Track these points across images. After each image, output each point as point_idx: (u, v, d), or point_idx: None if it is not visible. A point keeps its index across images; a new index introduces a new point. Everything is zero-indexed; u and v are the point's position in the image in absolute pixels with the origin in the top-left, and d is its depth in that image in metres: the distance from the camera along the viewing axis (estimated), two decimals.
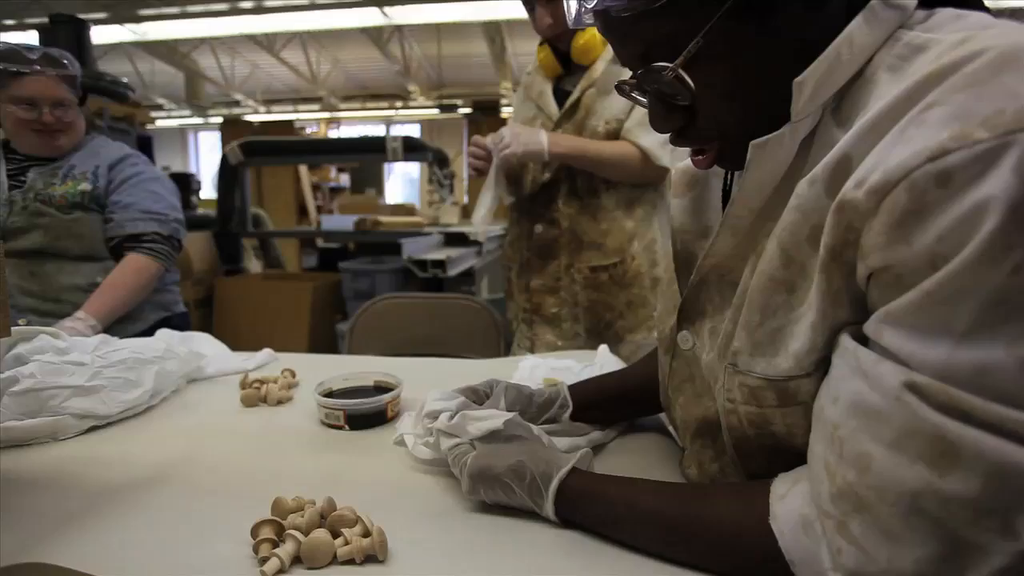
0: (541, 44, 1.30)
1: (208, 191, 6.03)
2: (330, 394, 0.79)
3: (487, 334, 1.44)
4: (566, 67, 1.28)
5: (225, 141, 5.75)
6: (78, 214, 1.24)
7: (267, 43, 6.57)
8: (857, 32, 0.39)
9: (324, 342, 2.94)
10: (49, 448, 0.70)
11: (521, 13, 1.25)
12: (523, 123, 1.33)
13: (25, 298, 1.22)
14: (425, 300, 1.54)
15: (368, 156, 3.44)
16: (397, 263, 2.79)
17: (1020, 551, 0.31)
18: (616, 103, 1.21)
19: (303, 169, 6.04)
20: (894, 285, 0.34)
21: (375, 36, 6.23)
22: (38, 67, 1.19)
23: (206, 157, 11.32)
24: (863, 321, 0.37)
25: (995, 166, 0.30)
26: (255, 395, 0.83)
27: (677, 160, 0.59)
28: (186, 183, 4.22)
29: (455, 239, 3.26)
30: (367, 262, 2.95)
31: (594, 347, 0.97)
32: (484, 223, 1.25)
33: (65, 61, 1.24)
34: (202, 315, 2.93)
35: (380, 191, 8.35)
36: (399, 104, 9.18)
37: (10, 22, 4.98)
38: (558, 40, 1.24)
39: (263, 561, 0.45)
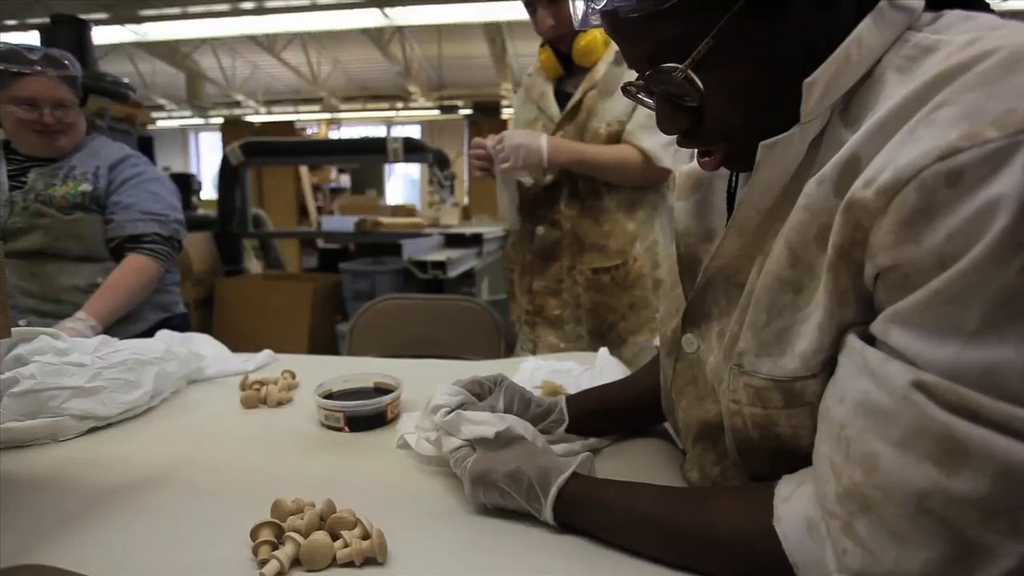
0: (542, 45, 1.30)
1: (209, 192, 6.04)
2: (330, 395, 0.79)
3: (487, 335, 1.44)
4: (567, 68, 1.28)
5: (226, 142, 5.75)
6: (78, 215, 1.24)
7: (268, 44, 6.57)
8: (866, 33, 0.39)
9: (324, 343, 2.94)
10: (49, 449, 0.69)
11: (522, 14, 1.25)
12: (524, 125, 1.33)
13: (25, 299, 1.22)
14: (425, 301, 1.54)
15: (369, 157, 3.44)
16: (397, 264, 2.79)
17: None
18: (618, 105, 1.21)
19: (303, 170, 6.04)
20: (902, 284, 0.34)
21: (376, 37, 6.23)
22: (39, 68, 1.19)
23: (207, 158, 11.33)
24: (870, 321, 0.37)
25: (1006, 165, 0.30)
26: (255, 396, 0.83)
27: (679, 161, 0.59)
28: (187, 183, 4.22)
29: (455, 240, 3.26)
30: (367, 263, 2.95)
31: (596, 349, 0.97)
32: (513, 216, 1.26)
33: (66, 62, 1.24)
34: (202, 316, 2.93)
35: (381, 192, 8.35)
36: (400, 105, 9.19)
37: (11, 22, 4.98)
38: (559, 42, 1.24)
39: (263, 563, 0.45)
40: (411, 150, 2.97)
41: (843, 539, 0.36)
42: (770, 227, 0.44)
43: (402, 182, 10.63)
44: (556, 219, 1.27)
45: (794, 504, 0.40)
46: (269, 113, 9.33)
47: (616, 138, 1.22)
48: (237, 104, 8.91)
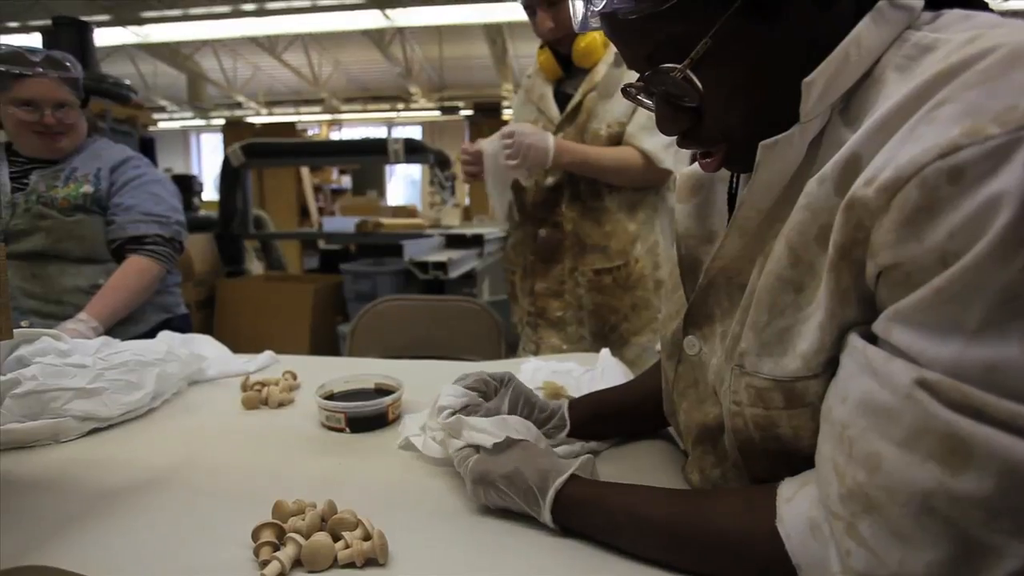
0: (541, 47, 1.30)
1: (210, 193, 6.03)
2: (331, 396, 0.79)
3: (488, 336, 1.44)
4: (567, 70, 1.28)
5: (227, 143, 5.75)
6: (80, 216, 1.24)
7: (269, 45, 6.59)
8: (865, 33, 0.39)
9: (325, 344, 2.94)
10: (50, 450, 0.70)
11: (523, 15, 1.25)
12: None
13: (27, 300, 1.22)
14: (426, 302, 1.54)
15: (369, 158, 3.44)
16: (398, 265, 2.79)
17: None
18: (618, 106, 1.21)
19: (305, 171, 6.04)
20: (903, 283, 0.34)
21: (377, 38, 6.25)
22: (40, 69, 1.20)
23: (208, 159, 11.36)
24: (872, 321, 0.37)
25: (1007, 162, 0.30)
26: (256, 397, 0.83)
27: (680, 162, 0.59)
28: (188, 185, 4.22)
29: (456, 241, 3.26)
30: (368, 264, 2.95)
31: (599, 350, 0.97)
32: (508, 214, 1.26)
33: (67, 63, 1.24)
34: (203, 316, 2.93)
35: (381, 193, 8.35)
36: (400, 106, 9.20)
37: (13, 24, 5.00)
38: (559, 43, 1.24)
39: (264, 564, 0.45)
40: (412, 151, 2.97)
41: (847, 540, 0.35)
42: (771, 227, 0.44)
43: (403, 183, 10.64)
44: (558, 221, 1.28)
45: (797, 505, 0.40)
46: (270, 114, 9.35)
47: (616, 140, 1.22)
48: (238, 105, 8.93)
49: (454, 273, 2.73)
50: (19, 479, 0.62)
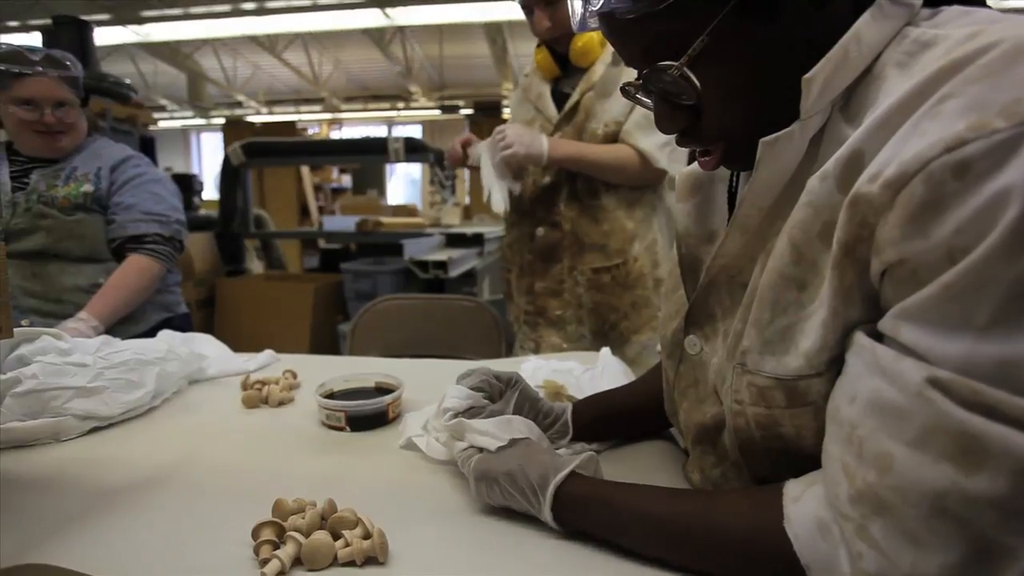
0: (539, 46, 1.30)
1: (210, 192, 6.04)
2: (331, 395, 0.79)
3: (489, 335, 1.44)
4: (564, 69, 1.28)
5: (227, 142, 5.76)
6: (80, 215, 1.24)
7: (269, 44, 6.59)
8: (865, 29, 0.39)
9: (325, 343, 2.94)
10: (51, 449, 0.70)
11: (523, 14, 1.25)
12: (523, 125, 1.34)
13: (28, 299, 1.22)
14: (426, 301, 1.54)
15: (370, 157, 3.45)
16: (399, 264, 2.79)
17: None
18: (615, 106, 1.21)
19: (305, 170, 6.04)
20: (909, 280, 0.33)
21: (377, 37, 6.24)
22: (40, 68, 1.20)
23: (208, 158, 11.36)
24: (876, 320, 0.36)
25: (1014, 156, 0.30)
26: (256, 396, 0.83)
27: (675, 162, 0.59)
28: (188, 184, 4.22)
29: (456, 240, 3.26)
30: (369, 263, 2.95)
31: (599, 348, 0.97)
32: (503, 205, 1.25)
33: (67, 62, 1.24)
34: (204, 316, 2.93)
35: (382, 192, 8.35)
36: (401, 105, 9.20)
37: (13, 24, 5.00)
38: (556, 42, 1.24)
39: (264, 563, 0.45)
40: (412, 150, 2.97)
41: (858, 542, 0.35)
42: (772, 225, 0.44)
43: (403, 182, 10.64)
44: (556, 220, 1.28)
45: (804, 505, 0.39)
46: (270, 113, 9.35)
47: (613, 139, 1.22)
48: (238, 104, 8.93)
49: (454, 272, 2.73)
50: (19, 478, 0.62)
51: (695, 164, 0.52)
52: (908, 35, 0.39)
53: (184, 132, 11.18)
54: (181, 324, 1.31)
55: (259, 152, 3.12)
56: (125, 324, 1.23)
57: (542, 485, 0.49)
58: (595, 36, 1.21)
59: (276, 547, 0.47)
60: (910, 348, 0.33)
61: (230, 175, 3.12)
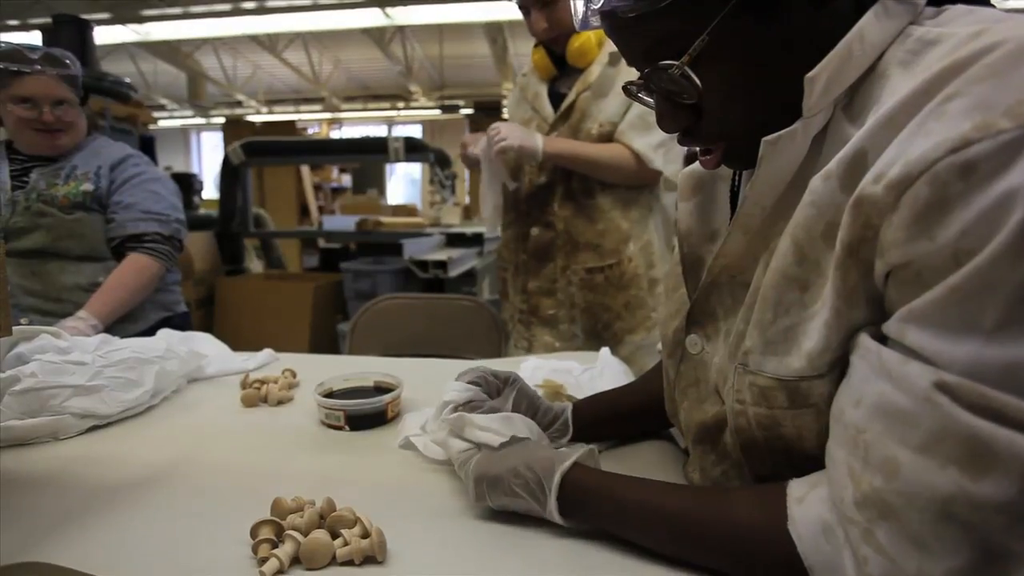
0: (536, 46, 1.30)
1: (210, 191, 6.03)
2: (330, 394, 0.79)
3: (488, 334, 1.44)
4: (561, 69, 1.28)
5: (227, 141, 5.75)
6: (80, 214, 1.24)
7: (269, 44, 6.58)
8: (868, 28, 0.39)
9: (325, 342, 2.94)
10: (49, 447, 0.70)
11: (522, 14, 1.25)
12: (519, 123, 1.34)
13: (27, 298, 1.22)
14: (426, 300, 1.54)
15: (370, 157, 3.45)
16: (398, 264, 2.79)
17: None
18: (611, 106, 1.21)
19: (305, 169, 6.04)
20: (914, 282, 0.33)
21: (377, 37, 6.24)
22: (39, 66, 1.20)
23: (208, 157, 11.35)
24: (879, 322, 0.36)
25: (1020, 156, 0.30)
26: (255, 395, 0.83)
27: (670, 163, 0.59)
28: (188, 183, 4.22)
29: (456, 240, 3.26)
30: (368, 262, 2.95)
31: (592, 348, 0.97)
32: (495, 217, 1.26)
33: (67, 61, 1.24)
34: (203, 315, 2.93)
35: (382, 192, 8.35)
36: (401, 105, 9.19)
37: (13, 22, 4.99)
38: (553, 43, 1.24)
39: (262, 561, 0.45)
40: (412, 150, 2.97)
41: (863, 546, 0.34)
42: (775, 225, 0.44)
43: (403, 182, 10.64)
44: (550, 220, 1.28)
45: (808, 506, 0.39)
46: (270, 113, 9.35)
47: (608, 139, 1.22)
48: (238, 104, 8.92)
49: (454, 272, 2.73)
50: (18, 476, 0.62)
51: (697, 163, 0.52)
52: (912, 34, 0.39)
53: (184, 131, 11.17)
54: (180, 323, 1.30)
55: (259, 151, 3.13)
56: (124, 323, 1.23)
57: (547, 476, 0.49)
58: (592, 37, 1.21)
59: (274, 546, 0.47)
60: (916, 351, 0.33)
61: (230, 174, 3.12)
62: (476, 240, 3.23)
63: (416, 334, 1.47)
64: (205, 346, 1.00)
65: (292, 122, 7.14)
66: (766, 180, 0.43)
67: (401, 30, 6.19)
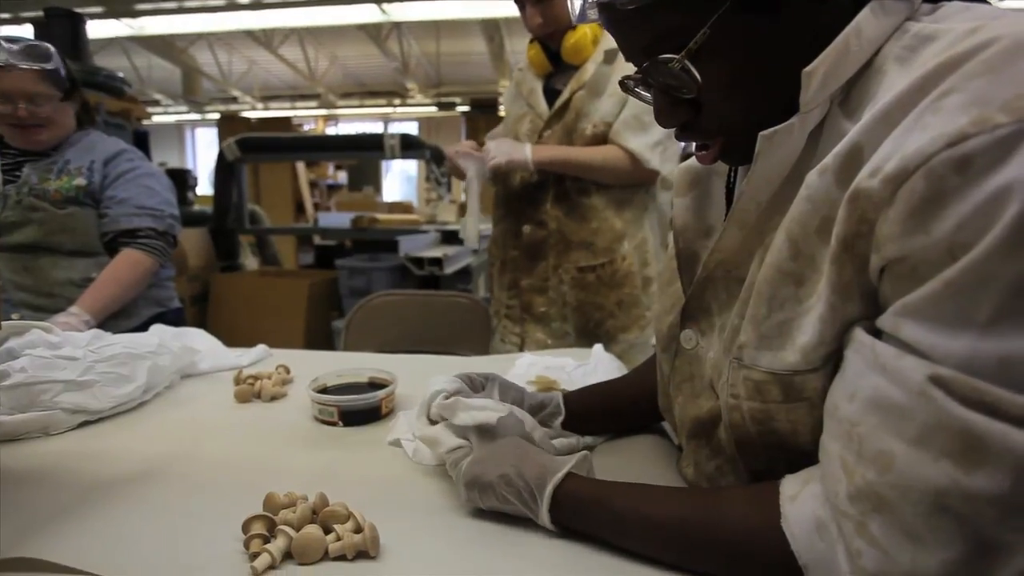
0: (531, 42, 1.30)
1: (205, 187, 6.00)
2: (324, 390, 0.79)
3: (483, 331, 1.44)
4: (556, 65, 1.28)
5: (222, 137, 5.71)
6: (72, 209, 1.23)
7: (265, 39, 6.55)
8: (865, 23, 0.39)
9: (320, 339, 2.93)
10: (41, 443, 0.69)
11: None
12: (514, 120, 1.35)
13: (18, 292, 1.22)
14: (421, 297, 1.54)
15: (366, 153, 3.43)
16: (394, 261, 2.79)
17: None
18: (605, 105, 1.21)
19: (300, 166, 6.02)
20: (909, 276, 0.33)
21: (373, 33, 6.21)
22: (12, 61, 1.16)
23: (203, 153, 11.28)
24: (873, 316, 0.36)
25: (1016, 150, 0.30)
26: (249, 391, 0.83)
27: (667, 162, 0.59)
28: (183, 179, 4.20)
29: (452, 237, 3.25)
30: (364, 259, 2.94)
31: (583, 346, 0.97)
32: (475, 237, 1.30)
33: (44, 55, 1.20)
34: (198, 311, 2.92)
35: (378, 189, 8.33)
36: (397, 101, 9.17)
37: (5, 16, 4.95)
38: (549, 39, 1.24)
39: (254, 556, 0.45)
40: (408, 147, 2.96)
41: (856, 540, 0.35)
42: (770, 220, 0.44)
43: (399, 179, 10.62)
44: (542, 219, 1.28)
45: (801, 504, 0.39)
46: (266, 109, 9.30)
47: (602, 138, 1.22)
48: (234, 100, 8.88)
49: (449, 269, 2.72)
50: (8, 472, 0.62)
51: (693, 159, 0.52)
52: (909, 30, 0.39)
53: (178, 127, 11.11)
54: (174, 319, 1.30)
55: (254, 148, 3.11)
56: (117, 319, 1.22)
57: (539, 486, 0.48)
58: (587, 34, 1.21)
59: (266, 541, 0.47)
60: (911, 345, 0.33)
61: (225, 171, 3.10)
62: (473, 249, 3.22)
63: (411, 331, 1.47)
64: (198, 342, 0.99)
65: (288, 118, 7.11)
66: (762, 175, 0.43)
67: (398, 26, 6.17)
